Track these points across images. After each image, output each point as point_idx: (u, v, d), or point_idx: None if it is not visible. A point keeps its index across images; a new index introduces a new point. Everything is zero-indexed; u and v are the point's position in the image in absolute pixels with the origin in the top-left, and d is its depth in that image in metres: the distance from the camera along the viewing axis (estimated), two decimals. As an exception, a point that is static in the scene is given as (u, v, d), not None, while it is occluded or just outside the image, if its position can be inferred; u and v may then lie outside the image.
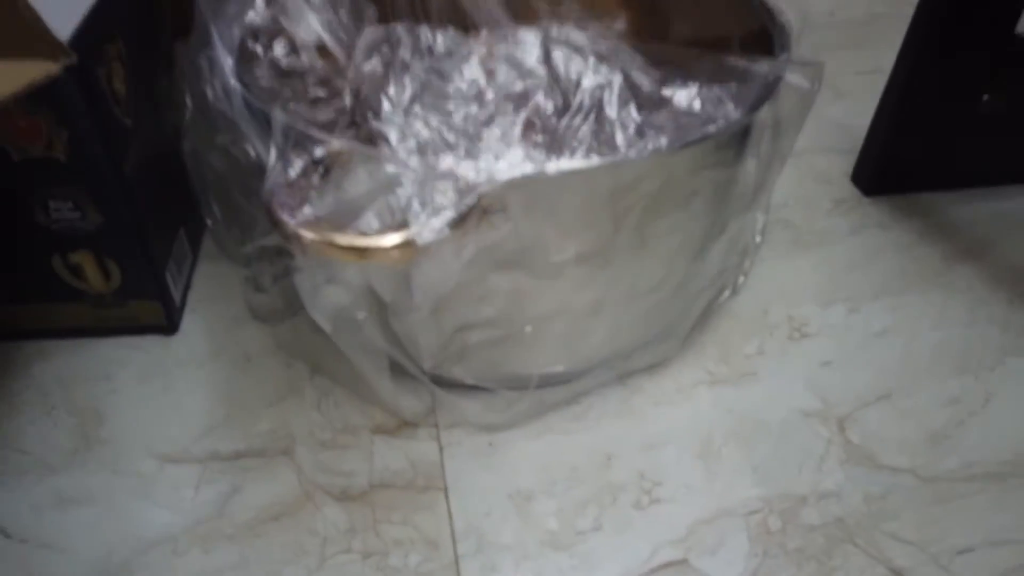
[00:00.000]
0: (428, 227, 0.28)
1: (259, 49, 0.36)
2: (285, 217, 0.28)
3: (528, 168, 0.30)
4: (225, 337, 0.45)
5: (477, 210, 0.29)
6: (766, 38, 0.41)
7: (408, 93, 0.35)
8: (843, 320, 0.47)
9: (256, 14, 0.36)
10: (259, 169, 0.32)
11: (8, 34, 0.32)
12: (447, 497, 0.38)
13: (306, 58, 0.34)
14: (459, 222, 0.29)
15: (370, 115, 0.37)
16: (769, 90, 0.37)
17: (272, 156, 0.29)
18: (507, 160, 0.38)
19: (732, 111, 0.40)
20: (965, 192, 0.56)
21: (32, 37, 0.32)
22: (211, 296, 0.48)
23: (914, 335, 0.46)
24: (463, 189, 0.29)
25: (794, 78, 0.38)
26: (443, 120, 0.39)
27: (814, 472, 0.40)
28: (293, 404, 0.42)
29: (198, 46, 0.36)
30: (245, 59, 0.36)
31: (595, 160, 0.33)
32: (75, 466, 0.39)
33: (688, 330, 0.44)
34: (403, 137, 0.36)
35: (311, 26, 0.34)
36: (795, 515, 0.38)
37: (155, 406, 0.42)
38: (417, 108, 0.38)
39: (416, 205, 0.28)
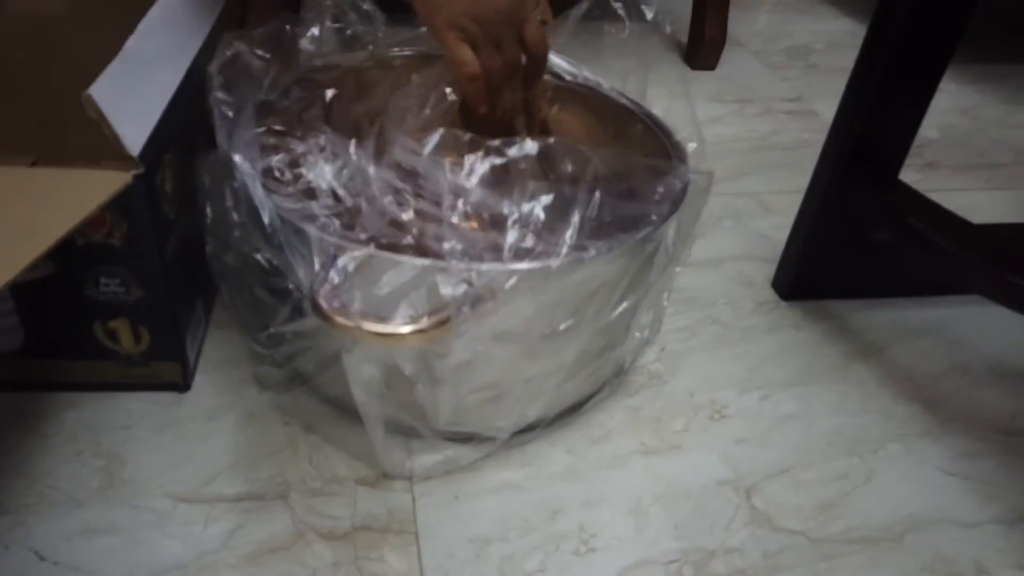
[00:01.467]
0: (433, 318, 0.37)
1: (278, 172, 0.45)
2: (332, 312, 0.37)
3: (508, 267, 0.40)
4: (231, 396, 0.53)
5: (471, 299, 0.39)
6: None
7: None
8: (756, 405, 0.56)
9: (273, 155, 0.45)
10: (276, 270, 0.41)
11: (92, 149, 0.41)
12: (417, 540, 0.46)
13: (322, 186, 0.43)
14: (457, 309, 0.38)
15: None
16: (682, 192, 0.49)
17: (316, 264, 0.38)
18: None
19: (660, 211, 0.49)
20: (864, 301, 0.67)
21: (112, 152, 0.41)
22: (219, 359, 0.55)
23: (814, 421, 0.55)
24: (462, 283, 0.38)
25: (698, 179, 0.49)
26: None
27: (723, 531, 0.48)
28: (289, 456, 0.49)
29: (219, 168, 0.44)
30: (266, 176, 0.45)
31: (562, 259, 0.43)
32: (100, 501, 0.46)
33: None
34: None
35: (323, 174, 0.43)
36: (705, 566, 0.46)
37: (169, 453, 0.49)
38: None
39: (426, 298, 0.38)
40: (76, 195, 0.39)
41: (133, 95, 0.43)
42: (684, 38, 1.06)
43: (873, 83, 0.56)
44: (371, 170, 0.42)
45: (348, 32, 0.57)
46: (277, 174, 0.45)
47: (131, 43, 0.43)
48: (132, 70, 0.43)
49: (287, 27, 0.53)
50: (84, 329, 0.48)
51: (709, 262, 0.70)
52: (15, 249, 0.35)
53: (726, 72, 1.04)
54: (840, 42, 1.16)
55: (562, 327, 0.44)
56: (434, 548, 0.45)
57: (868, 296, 0.67)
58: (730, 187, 0.81)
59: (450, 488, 0.49)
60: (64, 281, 0.46)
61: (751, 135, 0.91)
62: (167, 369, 0.51)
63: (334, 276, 0.37)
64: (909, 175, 0.61)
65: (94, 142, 0.41)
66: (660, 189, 0.49)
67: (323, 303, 0.37)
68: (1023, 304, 0.51)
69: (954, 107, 1.00)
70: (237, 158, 0.43)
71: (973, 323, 0.65)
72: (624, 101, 0.59)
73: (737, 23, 1.10)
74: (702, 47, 1.02)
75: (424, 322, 0.38)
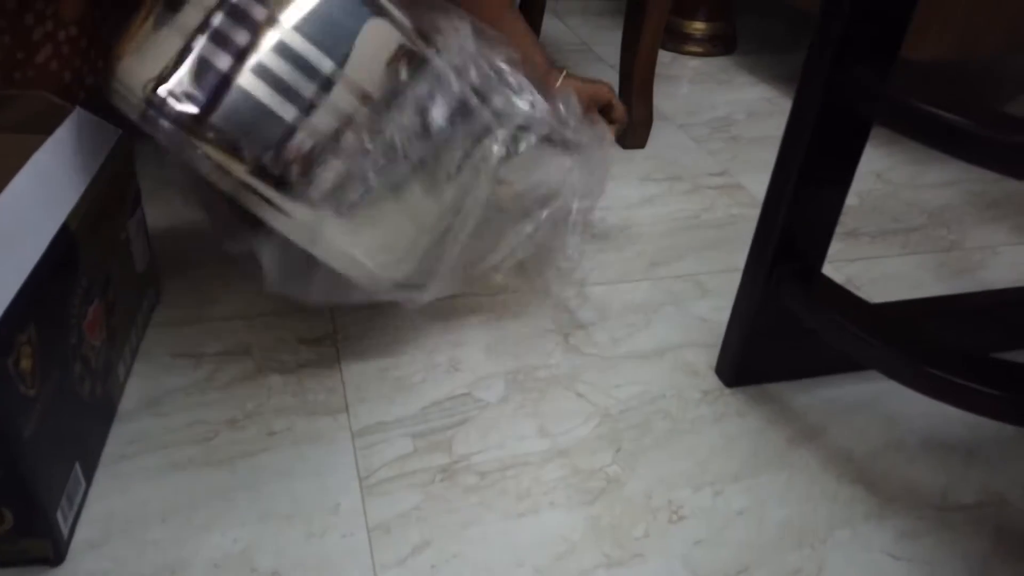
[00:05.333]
0: None
1: None
2: None
3: None
4: (108, 563, 0.52)
5: None
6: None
7: None
8: (710, 502, 0.59)
9: None
10: None
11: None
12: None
13: None
14: None
15: None
16: None
17: None
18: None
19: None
20: (803, 382, 0.70)
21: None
22: (103, 512, 0.55)
23: (765, 513, 0.58)
24: None
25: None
26: None
27: (690, 640, 0.50)
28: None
29: None
30: None
31: None
32: None
33: None
34: None
35: None
36: None
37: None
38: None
39: None
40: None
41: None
42: (613, 118, 1.11)
43: (789, 190, 0.60)
44: None
45: None
46: None
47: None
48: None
49: None
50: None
51: (655, 352, 0.73)
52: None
53: (655, 149, 1.09)
54: (759, 110, 1.22)
55: None
56: None
57: (807, 376, 0.71)
58: (668, 270, 0.84)
59: None
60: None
61: (682, 214, 0.95)
62: (36, 545, 0.50)
63: None
64: (833, 245, 0.65)
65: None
66: None
67: None
68: (920, 385, 0.56)
69: (869, 171, 1.06)
70: None
71: (902, 396, 0.68)
72: None
73: (660, 96, 1.15)
74: (631, 127, 1.07)
75: None
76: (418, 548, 0.54)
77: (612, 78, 1.09)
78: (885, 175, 1.06)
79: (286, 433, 0.62)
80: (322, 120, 0.50)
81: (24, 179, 0.51)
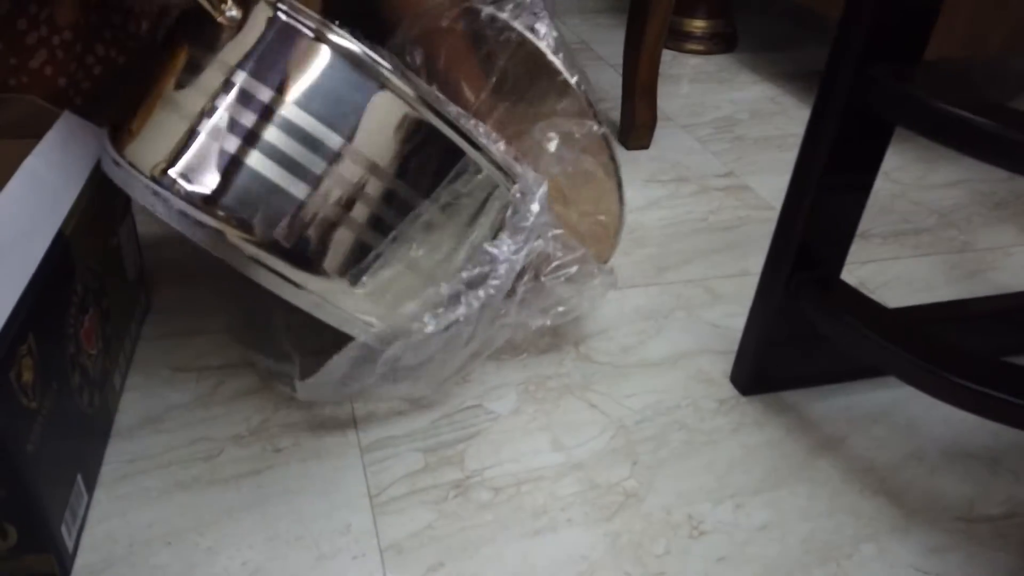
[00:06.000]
0: None
1: None
2: None
3: None
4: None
5: None
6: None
7: None
8: (731, 516, 0.57)
9: None
10: None
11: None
12: None
13: None
14: None
15: None
16: None
17: None
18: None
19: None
20: (820, 389, 0.69)
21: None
22: (104, 535, 0.53)
23: (788, 528, 0.57)
24: None
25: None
26: None
27: (717, 663, 0.48)
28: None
29: None
30: None
31: None
32: None
33: None
34: None
35: None
36: None
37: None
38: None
39: None
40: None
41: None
42: (616, 116, 1.09)
43: (808, 197, 0.58)
44: None
45: None
46: None
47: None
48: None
49: None
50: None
51: (667, 360, 0.72)
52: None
53: (659, 150, 1.07)
54: (762, 109, 1.21)
55: None
56: None
57: (824, 383, 0.69)
58: (678, 275, 0.83)
59: None
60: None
61: (690, 216, 0.94)
62: (41, 561, 0.48)
63: None
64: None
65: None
66: None
67: None
68: (936, 390, 0.55)
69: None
70: None
71: (922, 403, 0.68)
72: None
73: (662, 96, 1.13)
74: (634, 128, 1.05)
75: None
76: (432, 569, 0.52)
77: (613, 78, 1.07)
78: (893, 174, 1.04)
79: (293, 449, 0.60)
80: (332, 192, 0.50)
81: (17, 185, 0.49)
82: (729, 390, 0.69)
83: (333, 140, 0.50)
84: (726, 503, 0.58)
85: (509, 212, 0.57)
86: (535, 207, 0.57)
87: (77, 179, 0.56)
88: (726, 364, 0.71)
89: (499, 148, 0.59)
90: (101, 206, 0.59)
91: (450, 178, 0.53)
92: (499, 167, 0.56)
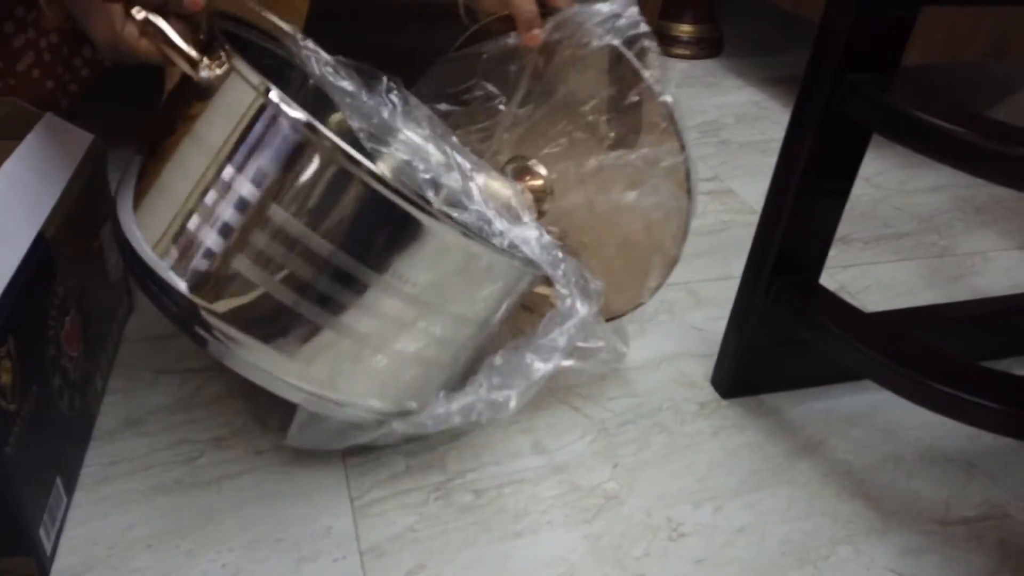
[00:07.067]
0: None
1: None
2: None
3: None
4: None
5: None
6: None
7: None
8: (711, 519, 0.58)
9: None
10: None
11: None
12: None
13: None
14: None
15: None
16: None
17: None
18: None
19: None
20: (800, 393, 0.69)
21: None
22: (84, 538, 0.53)
23: (766, 530, 0.57)
24: None
25: None
26: None
27: (694, 664, 0.49)
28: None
29: None
30: None
31: None
32: None
33: None
34: None
35: None
36: None
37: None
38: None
39: None
40: None
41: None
42: (601, 122, 1.09)
43: (788, 202, 0.59)
44: None
45: None
46: None
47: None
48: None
49: None
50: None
51: (649, 363, 0.72)
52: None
53: (644, 154, 1.08)
54: (747, 114, 1.22)
55: None
56: None
57: (804, 386, 0.70)
58: (661, 279, 0.83)
59: None
60: None
61: (675, 220, 0.94)
62: (20, 564, 0.49)
63: None
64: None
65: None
66: None
67: None
68: (914, 394, 0.56)
69: (859, 176, 1.05)
70: None
71: (900, 407, 0.68)
72: None
73: (649, 101, 1.14)
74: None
75: None
76: (412, 572, 0.52)
77: (601, 82, 1.07)
78: (875, 180, 1.05)
79: (274, 452, 0.60)
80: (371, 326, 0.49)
81: (-1, 183, 0.49)
82: (710, 393, 0.69)
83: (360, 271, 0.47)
84: (706, 505, 0.59)
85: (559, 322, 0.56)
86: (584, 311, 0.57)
87: (59, 181, 0.56)
88: (707, 367, 0.71)
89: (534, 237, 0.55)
90: (83, 208, 0.59)
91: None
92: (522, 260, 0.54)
